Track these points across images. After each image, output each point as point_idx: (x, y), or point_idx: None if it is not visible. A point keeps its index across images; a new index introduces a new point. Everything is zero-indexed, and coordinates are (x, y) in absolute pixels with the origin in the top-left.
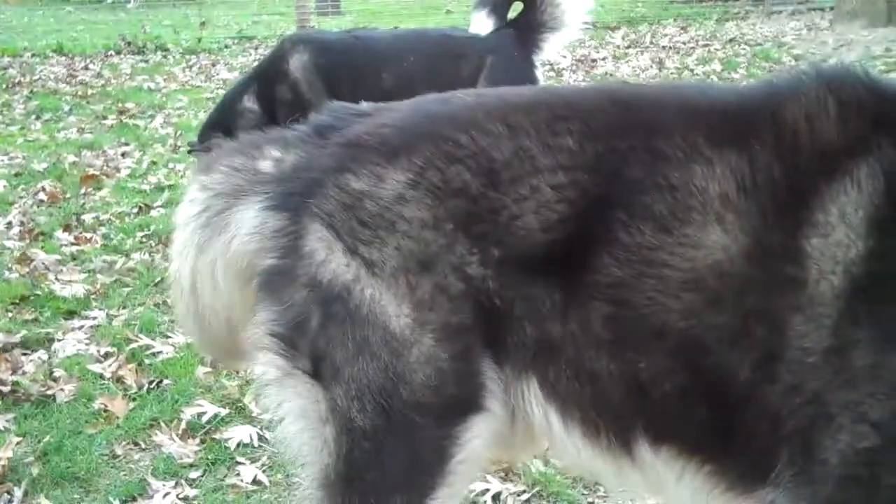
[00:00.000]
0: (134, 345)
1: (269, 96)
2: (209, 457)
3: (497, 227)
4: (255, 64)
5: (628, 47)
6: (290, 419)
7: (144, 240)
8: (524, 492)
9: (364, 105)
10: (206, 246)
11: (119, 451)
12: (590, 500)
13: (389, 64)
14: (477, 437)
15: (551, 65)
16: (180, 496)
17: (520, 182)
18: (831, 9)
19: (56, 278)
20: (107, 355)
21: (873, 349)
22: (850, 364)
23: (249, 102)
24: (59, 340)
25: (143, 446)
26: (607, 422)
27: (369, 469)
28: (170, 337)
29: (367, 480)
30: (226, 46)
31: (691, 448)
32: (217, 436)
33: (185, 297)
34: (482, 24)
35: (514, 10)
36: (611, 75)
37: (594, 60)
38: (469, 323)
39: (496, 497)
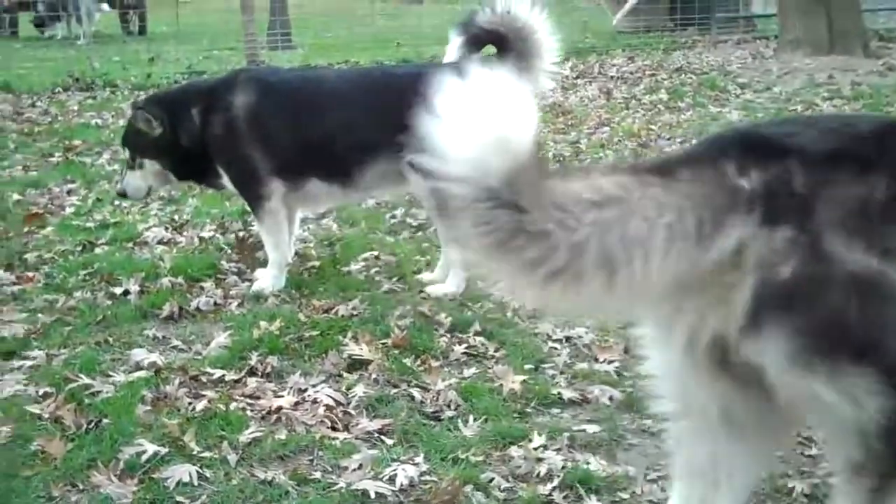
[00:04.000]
0: (73, 384)
1: (204, 120)
2: (147, 497)
3: None
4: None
5: (577, 77)
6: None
7: (87, 278)
8: None
9: (784, 123)
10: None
11: (56, 493)
12: None
13: (333, 103)
14: None
15: None
16: None
17: None
18: (775, 37)
19: None
20: (45, 395)
21: None
22: None
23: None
24: None
25: (81, 487)
26: None
27: None
28: (110, 375)
29: None
30: (175, 82)
31: None
32: (156, 475)
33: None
34: (454, 50)
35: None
36: (559, 105)
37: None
38: None
39: None
